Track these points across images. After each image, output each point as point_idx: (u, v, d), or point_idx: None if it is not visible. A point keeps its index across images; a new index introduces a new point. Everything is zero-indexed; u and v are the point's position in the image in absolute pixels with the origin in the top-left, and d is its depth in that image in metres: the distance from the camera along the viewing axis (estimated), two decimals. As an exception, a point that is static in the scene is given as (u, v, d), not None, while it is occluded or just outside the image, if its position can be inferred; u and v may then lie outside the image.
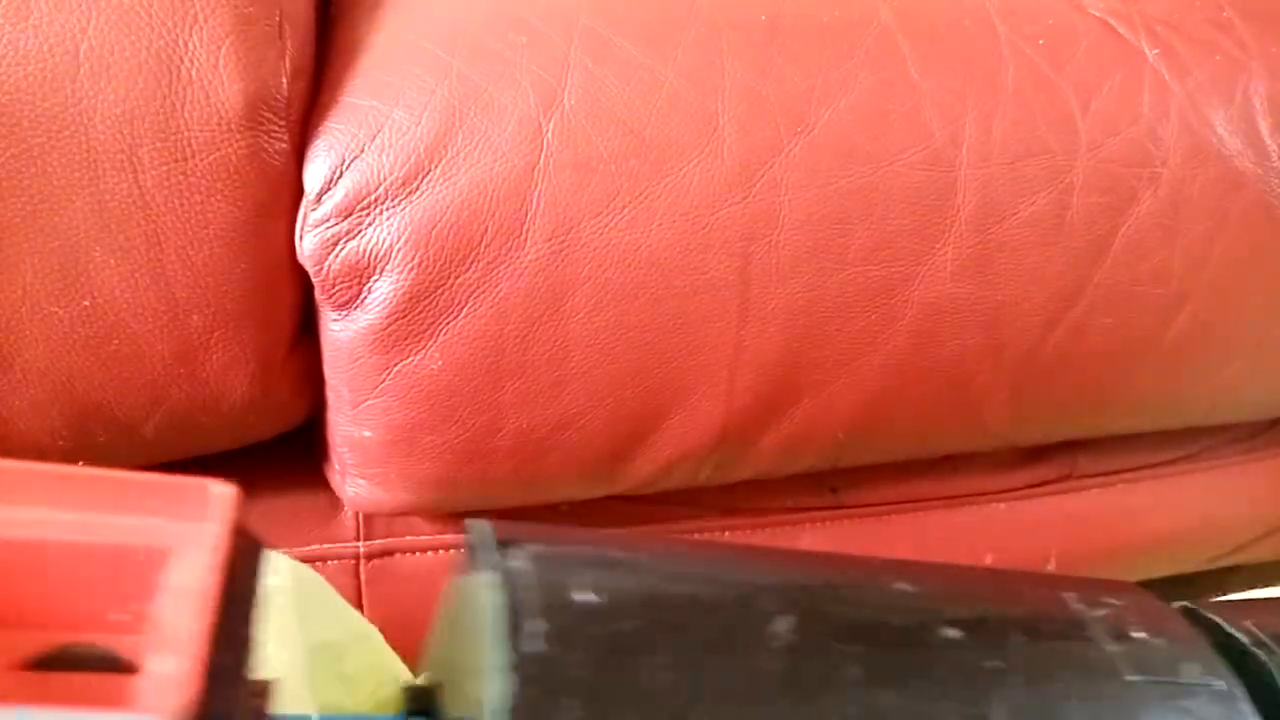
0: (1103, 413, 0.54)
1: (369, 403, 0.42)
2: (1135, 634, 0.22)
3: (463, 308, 0.40)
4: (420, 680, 0.27)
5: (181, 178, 0.37)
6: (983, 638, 0.22)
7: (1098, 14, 0.48)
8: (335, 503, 0.48)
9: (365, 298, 0.40)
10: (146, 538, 0.17)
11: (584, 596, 0.20)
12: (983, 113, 0.44)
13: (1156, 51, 0.48)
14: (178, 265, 0.38)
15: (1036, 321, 0.47)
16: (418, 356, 0.41)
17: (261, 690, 0.19)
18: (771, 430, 0.46)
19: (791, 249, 0.42)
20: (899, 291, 0.44)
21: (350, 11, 0.43)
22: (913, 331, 0.45)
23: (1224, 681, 0.22)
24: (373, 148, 0.38)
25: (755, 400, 0.45)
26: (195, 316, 0.39)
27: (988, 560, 0.58)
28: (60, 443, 0.40)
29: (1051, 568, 0.59)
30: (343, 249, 0.39)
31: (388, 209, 0.39)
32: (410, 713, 0.24)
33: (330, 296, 0.40)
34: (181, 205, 0.37)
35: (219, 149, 0.37)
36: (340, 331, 0.41)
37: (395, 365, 0.41)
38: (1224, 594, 0.77)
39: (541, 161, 0.39)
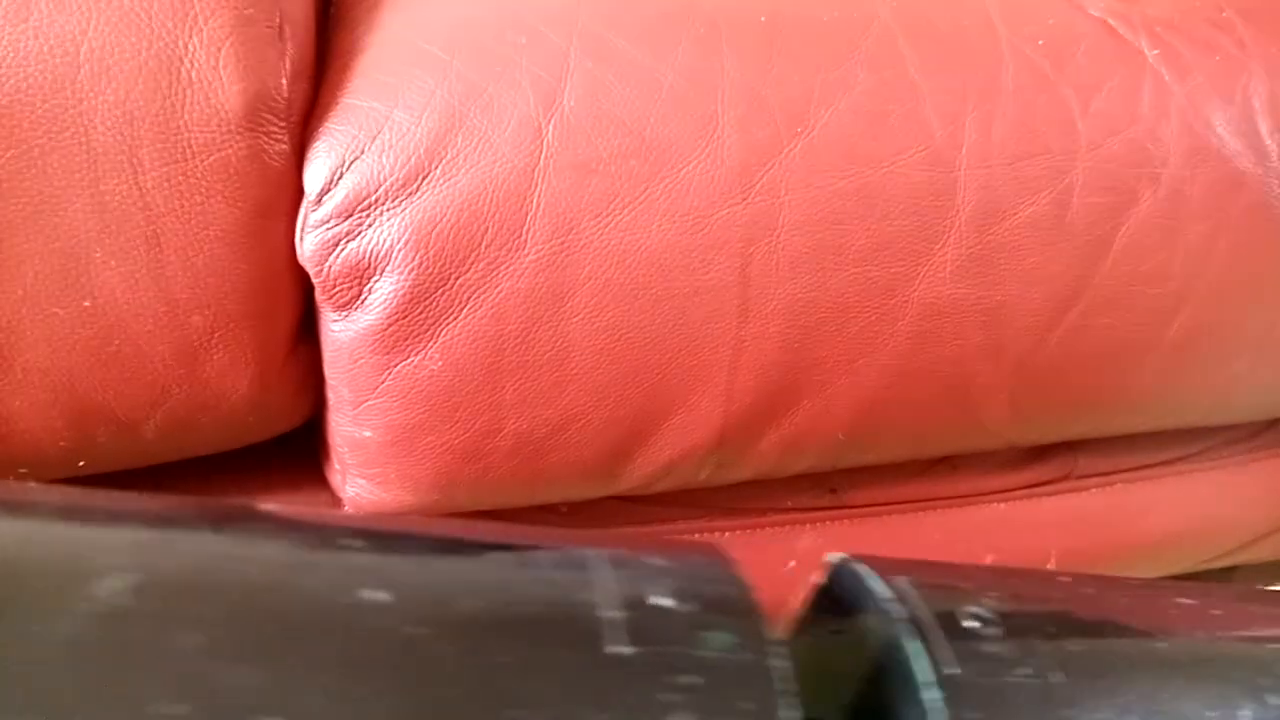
0: (1103, 413, 0.54)
1: (369, 403, 0.42)
2: (656, 601, 0.19)
3: (463, 308, 0.40)
4: None
5: (182, 179, 0.37)
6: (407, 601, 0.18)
7: (1098, 14, 0.48)
8: (335, 503, 0.48)
9: (365, 298, 0.40)
10: None
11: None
12: (983, 113, 0.44)
13: (1156, 52, 0.48)
14: (178, 266, 0.38)
15: (1036, 322, 0.47)
16: (418, 357, 0.41)
17: None
18: (771, 430, 0.46)
19: (791, 250, 0.42)
20: (899, 292, 0.44)
21: (350, 12, 0.43)
22: (913, 332, 0.45)
23: (755, 655, 0.18)
24: (373, 149, 0.38)
25: (755, 400, 0.45)
26: (196, 317, 0.39)
27: (988, 560, 0.58)
28: (61, 443, 0.40)
29: (1051, 568, 0.59)
30: (343, 250, 0.39)
31: (388, 210, 0.39)
32: None
33: (330, 297, 0.40)
34: (182, 206, 0.37)
35: (219, 150, 0.37)
36: (340, 332, 0.41)
37: (395, 366, 0.41)
38: (1224, 594, 0.77)
39: (541, 162, 0.39)
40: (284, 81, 0.37)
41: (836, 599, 0.22)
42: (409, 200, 0.39)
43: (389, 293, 0.39)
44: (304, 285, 0.41)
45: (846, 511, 0.56)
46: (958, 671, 0.19)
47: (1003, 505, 0.59)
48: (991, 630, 0.20)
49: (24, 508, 0.19)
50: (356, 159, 0.38)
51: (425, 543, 0.20)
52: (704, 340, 0.43)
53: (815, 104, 0.42)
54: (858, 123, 0.43)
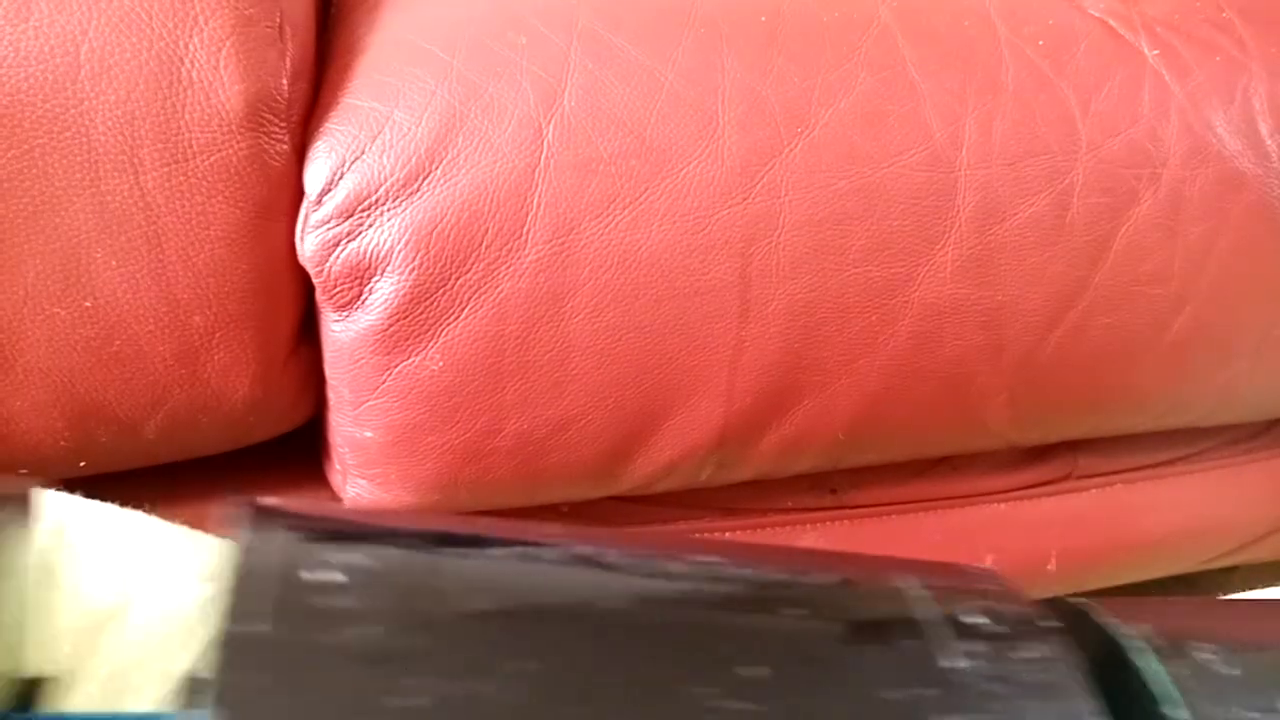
0: (1103, 413, 0.54)
1: (370, 403, 0.42)
2: (970, 619, 0.20)
3: (463, 309, 0.40)
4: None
5: (182, 179, 0.37)
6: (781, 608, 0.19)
7: (1098, 14, 0.48)
8: (336, 503, 0.48)
9: (366, 299, 0.40)
10: None
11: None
12: (983, 113, 0.44)
13: (1156, 52, 0.48)
14: (179, 266, 0.38)
15: (1036, 322, 0.47)
16: (418, 357, 0.41)
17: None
18: (771, 431, 0.46)
19: (791, 250, 0.42)
20: (899, 292, 0.44)
21: (350, 13, 0.43)
22: (913, 332, 0.45)
23: (1068, 669, 0.20)
24: (373, 149, 0.38)
25: (755, 401, 0.45)
26: (196, 317, 0.39)
27: (988, 560, 0.58)
28: (61, 443, 0.41)
29: (1051, 568, 0.59)
30: (343, 250, 0.39)
31: (388, 210, 0.39)
32: None
33: (331, 297, 0.40)
34: (182, 206, 0.37)
35: (220, 150, 0.37)
36: (341, 332, 0.41)
37: (396, 366, 0.41)
38: (1224, 594, 0.77)
39: (542, 162, 0.39)
40: (284, 81, 0.38)
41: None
42: (409, 200, 0.39)
43: (389, 293, 0.39)
44: (305, 285, 0.41)
45: (847, 511, 0.56)
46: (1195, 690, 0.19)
47: (1003, 505, 0.59)
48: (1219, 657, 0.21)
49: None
50: (357, 159, 0.38)
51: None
52: (704, 340, 0.43)
53: (815, 104, 0.42)
54: (858, 123, 0.43)
